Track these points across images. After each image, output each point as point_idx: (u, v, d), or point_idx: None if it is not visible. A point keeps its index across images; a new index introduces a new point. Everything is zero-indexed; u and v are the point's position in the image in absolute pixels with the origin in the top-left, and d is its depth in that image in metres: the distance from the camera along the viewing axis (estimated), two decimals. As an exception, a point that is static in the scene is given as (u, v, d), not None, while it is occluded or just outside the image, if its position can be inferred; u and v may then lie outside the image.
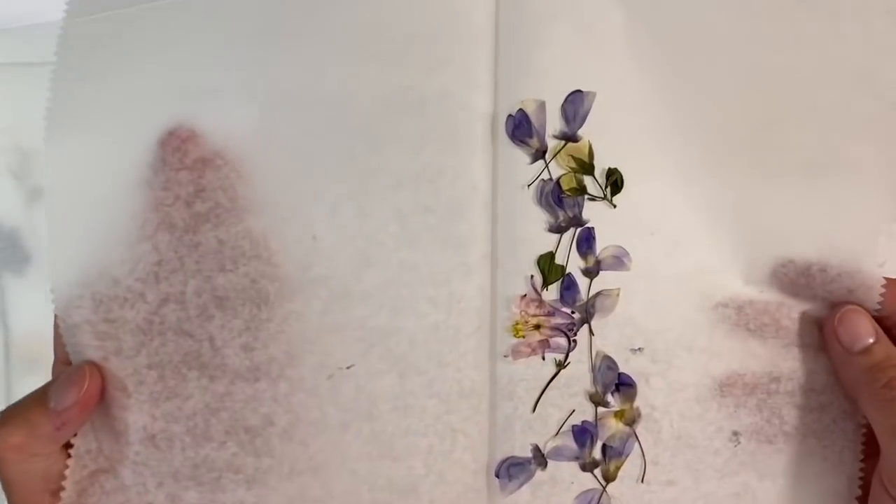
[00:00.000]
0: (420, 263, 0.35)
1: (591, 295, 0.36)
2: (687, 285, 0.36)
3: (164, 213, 0.34)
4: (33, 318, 0.49)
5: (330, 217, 0.35)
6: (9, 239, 0.49)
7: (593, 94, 0.35)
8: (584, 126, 0.36)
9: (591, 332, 0.36)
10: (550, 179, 0.36)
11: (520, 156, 0.36)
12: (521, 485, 0.37)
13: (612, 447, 0.37)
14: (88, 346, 0.35)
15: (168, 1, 0.36)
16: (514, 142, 0.35)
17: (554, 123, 0.36)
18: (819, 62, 0.36)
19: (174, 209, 0.34)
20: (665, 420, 0.37)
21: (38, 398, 0.35)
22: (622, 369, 0.36)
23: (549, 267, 0.36)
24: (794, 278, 0.36)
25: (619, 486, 0.37)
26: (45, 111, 0.35)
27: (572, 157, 0.36)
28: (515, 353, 0.36)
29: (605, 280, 0.36)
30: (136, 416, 0.35)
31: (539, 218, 0.36)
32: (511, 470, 0.37)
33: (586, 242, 0.36)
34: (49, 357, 0.41)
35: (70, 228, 0.35)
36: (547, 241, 0.36)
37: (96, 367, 0.35)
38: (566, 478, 0.37)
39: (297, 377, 0.35)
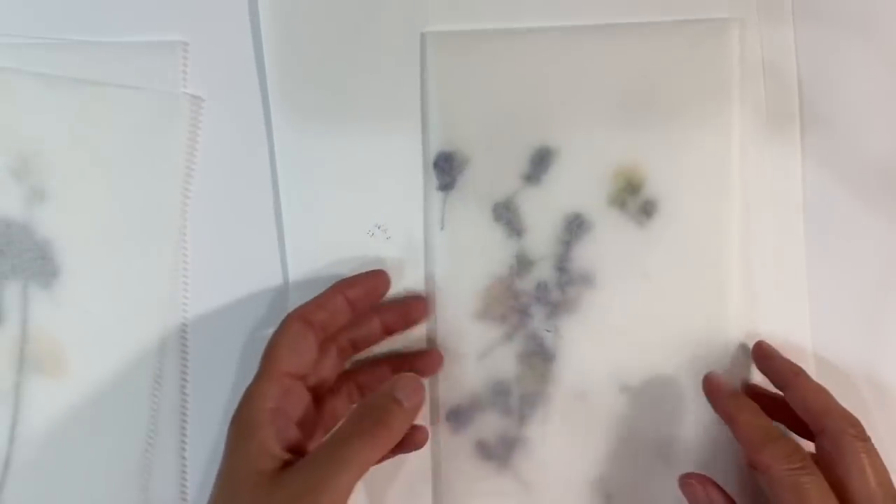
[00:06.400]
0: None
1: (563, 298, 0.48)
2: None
3: None
4: (53, 330, 0.50)
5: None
6: (40, 251, 0.50)
7: (557, 150, 0.48)
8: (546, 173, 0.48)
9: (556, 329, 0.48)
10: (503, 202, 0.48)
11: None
12: (464, 426, 0.49)
13: (526, 397, 0.48)
14: None
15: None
16: (434, 169, 0.49)
17: (521, 167, 0.48)
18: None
19: None
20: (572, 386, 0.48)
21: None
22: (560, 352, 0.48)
23: (525, 260, 0.48)
24: None
25: (531, 427, 0.48)
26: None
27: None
28: (483, 315, 0.48)
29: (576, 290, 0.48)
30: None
31: (497, 229, 0.49)
32: (458, 416, 0.49)
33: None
34: (58, 363, 0.49)
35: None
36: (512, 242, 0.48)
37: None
38: (492, 421, 0.48)
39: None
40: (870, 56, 0.48)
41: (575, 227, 0.48)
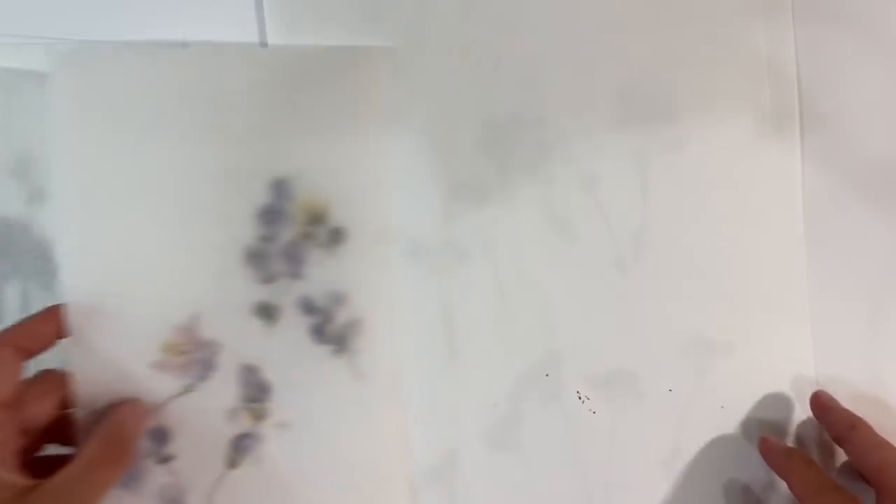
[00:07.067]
0: None
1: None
2: None
3: None
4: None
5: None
6: (40, 251, 0.50)
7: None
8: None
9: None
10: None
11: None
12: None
13: (244, 437, 0.45)
14: None
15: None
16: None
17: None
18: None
19: None
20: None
21: None
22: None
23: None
24: None
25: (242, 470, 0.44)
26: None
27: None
28: (160, 365, 0.44)
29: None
30: None
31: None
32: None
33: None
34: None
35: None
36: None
37: None
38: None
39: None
40: (870, 56, 0.48)
41: None
